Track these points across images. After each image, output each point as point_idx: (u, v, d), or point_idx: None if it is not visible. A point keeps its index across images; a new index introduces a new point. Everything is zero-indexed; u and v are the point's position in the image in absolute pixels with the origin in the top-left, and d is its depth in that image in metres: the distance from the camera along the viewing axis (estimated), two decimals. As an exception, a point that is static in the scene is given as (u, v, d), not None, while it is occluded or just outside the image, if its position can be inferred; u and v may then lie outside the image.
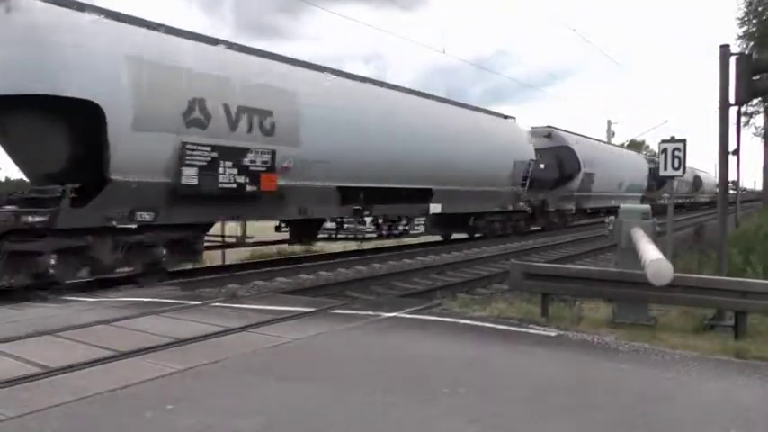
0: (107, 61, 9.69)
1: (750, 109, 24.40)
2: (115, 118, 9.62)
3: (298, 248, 17.61)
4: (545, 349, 5.93)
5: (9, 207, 9.34)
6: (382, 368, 5.22)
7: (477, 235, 21.77)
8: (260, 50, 13.26)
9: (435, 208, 18.06)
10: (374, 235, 16.21)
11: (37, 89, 9.05)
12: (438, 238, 21.97)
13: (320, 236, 15.66)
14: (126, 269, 10.50)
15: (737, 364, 5.59)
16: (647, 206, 8.33)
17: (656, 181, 40.58)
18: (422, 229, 18.13)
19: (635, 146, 59.81)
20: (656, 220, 7.74)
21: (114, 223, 9.86)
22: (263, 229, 15.14)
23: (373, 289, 11.92)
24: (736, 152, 9.78)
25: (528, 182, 23.04)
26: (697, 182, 56.65)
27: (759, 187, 53.98)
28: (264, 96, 12.20)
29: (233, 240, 13.52)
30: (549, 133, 28.29)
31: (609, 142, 42.36)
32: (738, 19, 21.59)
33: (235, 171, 11.43)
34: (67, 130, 9.73)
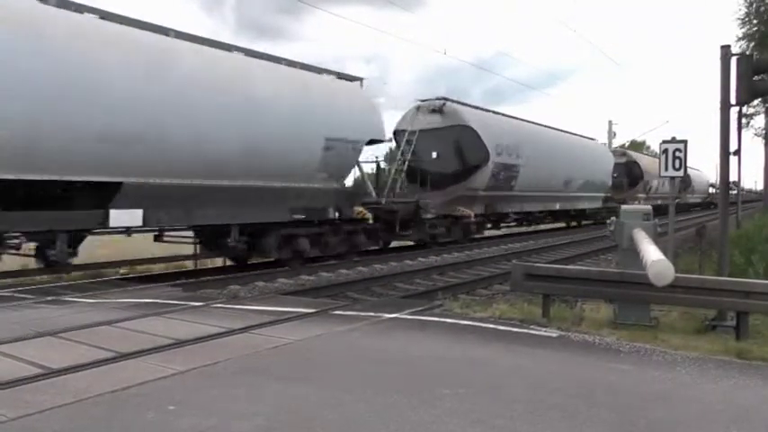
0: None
1: (750, 110, 24.41)
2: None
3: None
4: (546, 350, 5.93)
5: None
6: (383, 369, 5.22)
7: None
8: None
9: (121, 217, 10.28)
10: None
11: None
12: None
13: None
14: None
15: (739, 364, 5.59)
16: (648, 207, 8.33)
17: (628, 178, 38.24)
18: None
19: (636, 146, 59.69)
20: (658, 220, 7.74)
21: None
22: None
23: (374, 290, 11.91)
24: (737, 152, 9.77)
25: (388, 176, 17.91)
26: (685, 180, 54.86)
27: (760, 187, 54.03)
28: None
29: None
30: (440, 107, 20.25)
31: (583, 136, 32.39)
32: (739, 19, 21.58)
33: None
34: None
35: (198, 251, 13.96)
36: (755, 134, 28.53)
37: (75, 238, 10.52)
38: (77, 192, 10.08)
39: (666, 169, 9.73)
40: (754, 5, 21.16)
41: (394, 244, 19.60)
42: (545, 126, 26.97)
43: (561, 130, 28.43)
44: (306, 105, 13.35)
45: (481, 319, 7.26)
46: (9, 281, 11.15)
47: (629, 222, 7.61)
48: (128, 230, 10.65)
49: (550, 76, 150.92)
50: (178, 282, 11.31)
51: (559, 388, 4.73)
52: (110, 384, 4.60)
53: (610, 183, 33.46)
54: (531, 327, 6.88)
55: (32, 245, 10.31)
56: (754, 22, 21.26)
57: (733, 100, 8.34)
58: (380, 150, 31.76)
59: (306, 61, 14.74)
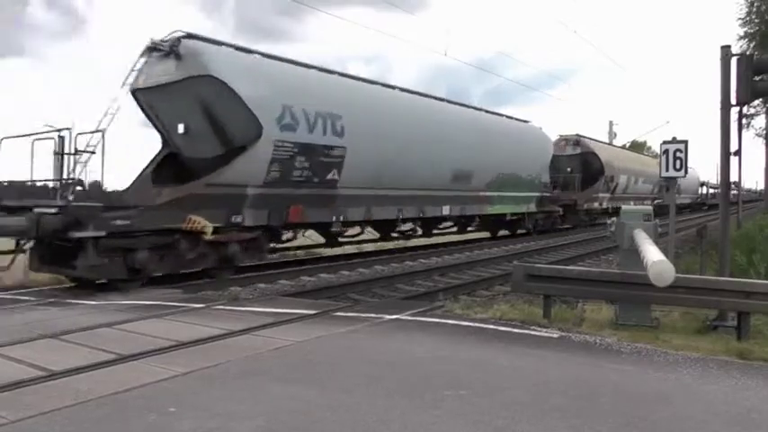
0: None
1: (751, 110, 24.41)
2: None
3: (299, 251, 17.58)
4: (547, 351, 5.93)
5: None
6: (384, 370, 5.22)
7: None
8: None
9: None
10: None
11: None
12: (436, 240, 20.74)
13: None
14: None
15: (740, 365, 5.58)
16: (648, 207, 8.33)
17: (584, 173, 29.60)
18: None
19: (637, 147, 59.63)
20: (658, 221, 7.74)
21: None
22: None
23: (375, 291, 11.90)
24: (738, 153, 9.77)
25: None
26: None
27: (761, 187, 54.06)
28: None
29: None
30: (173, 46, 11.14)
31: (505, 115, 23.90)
32: (740, 19, 21.57)
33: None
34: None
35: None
36: (756, 134, 28.55)
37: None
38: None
39: (667, 170, 9.73)
40: (755, 5, 21.16)
41: (394, 245, 19.22)
42: (408, 91, 17.48)
43: (454, 103, 19.61)
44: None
45: (482, 320, 7.26)
46: (10, 283, 11.15)
47: (630, 223, 7.62)
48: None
49: (551, 77, 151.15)
50: (179, 284, 11.31)
51: (560, 389, 4.73)
52: (111, 386, 4.60)
53: (546, 179, 24.78)
54: (532, 327, 6.88)
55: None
56: (755, 21, 21.26)
57: (733, 100, 8.34)
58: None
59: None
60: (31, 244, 10.05)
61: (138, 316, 7.40)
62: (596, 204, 31.74)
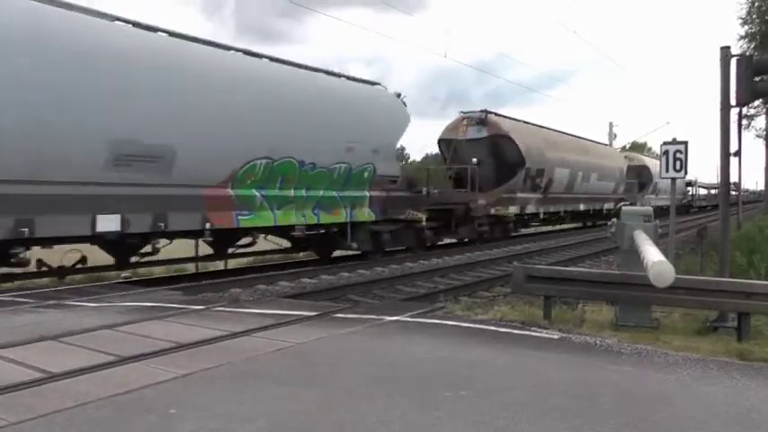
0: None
1: (751, 111, 24.42)
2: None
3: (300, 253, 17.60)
4: (547, 352, 5.93)
5: None
6: (384, 372, 5.21)
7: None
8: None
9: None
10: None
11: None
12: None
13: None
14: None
15: (740, 365, 5.58)
16: (649, 208, 8.33)
17: (497, 165, 22.14)
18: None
19: (637, 148, 59.57)
20: (659, 222, 7.74)
21: None
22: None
23: (376, 293, 11.91)
24: (738, 154, 9.77)
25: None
26: (644, 175, 40.54)
27: (761, 187, 53.94)
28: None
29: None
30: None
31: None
32: (741, 18, 21.57)
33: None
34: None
35: (198, 254, 13.92)
36: (756, 135, 28.58)
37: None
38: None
39: (668, 171, 9.74)
40: (755, 4, 21.16)
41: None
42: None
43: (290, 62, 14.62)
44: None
45: (482, 322, 7.25)
46: (10, 284, 11.16)
47: (630, 224, 7.62)
48: None
49: (551, 78, 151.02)
50: (179, 285, 11.31)
51: (561, 390, 4.72)
52: (111, 388, 4.59)
53: (394, 169, 17.99)
54: (533, 329, 6.88)
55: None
56: (756, 21, 21.26)
57: (733, 101, 8.35)
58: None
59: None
60: None
61: (138, 318, 7.40)
62: (514, 209, 22.78)
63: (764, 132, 28.54)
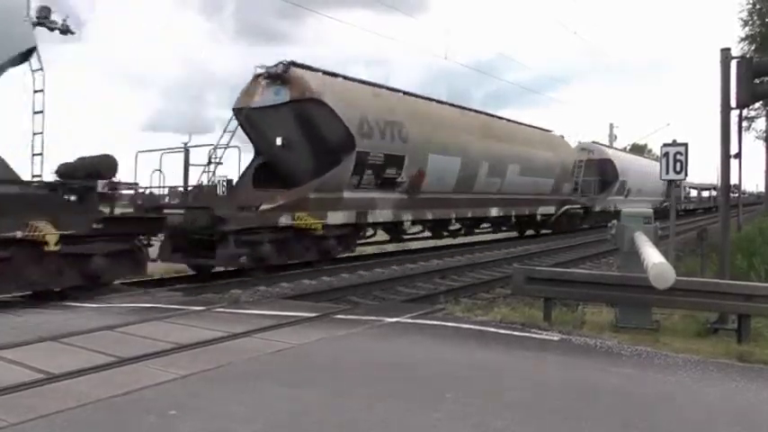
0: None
1: (752, 113, 24.44)
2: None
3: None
4: (548, 353, 5.93)
5: None
6: (385, 373, 5.22)
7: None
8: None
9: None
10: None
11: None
12: (435, 242, 19.98)
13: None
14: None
15: (741, 367, 5.58)
16: (649, 210, 8.33)
17: (325, 150, 14.14)
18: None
19: (637, 149, 59.58)
20: (658, 224, 7.75)
21: None
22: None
23: (376, 294, 11.91)
24: (738, 155, 9.77)
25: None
26: (607, 171, 31.16)
27: (761, 189, 53.83)
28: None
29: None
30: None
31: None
32: (742, 20, 21.58)
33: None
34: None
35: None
36: (756, 137, 28.59)
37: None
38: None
39: (668, 172, 9.74)
40: (756, 6, 21.17)
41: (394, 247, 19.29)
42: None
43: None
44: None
45: (483, 323, 7.25)
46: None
47: (630, 226, 7.62)
48: None
49: (552, 79, 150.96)
50: (179, 286, 11.31)
51: (561, 391, 4.73)
52: (111, 389, 4.60)
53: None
54: (533, 330, 6.88)
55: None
56: (757, 23, 21.27)
57: (733, 103, 8.34)
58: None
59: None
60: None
61: (139, 319, 7.40)
62: (337, 216, 14.52)
63: (765, 134, 28.56)
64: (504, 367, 5.47)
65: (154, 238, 10.98)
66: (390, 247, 19.06)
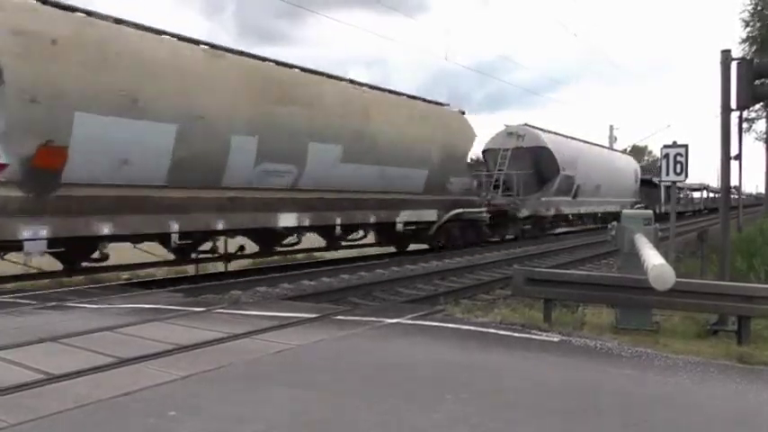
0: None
1: (752, 114, 24.45)
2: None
3: (300, 255, 17.57)
4: (548, 355, 5.93)
5: None
6: (384, 374, 5.21)
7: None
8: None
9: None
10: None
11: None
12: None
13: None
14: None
15: (741, 369, 5.58)
16: (649, 211, 8.34)
17: None
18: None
19: (637, 151, 59.49)
20: (658, 225, 7.75)
21: None
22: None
23: (376, 295, 11.92)
24: (738, 157, 9.78)
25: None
26: (545, 164, 24.40)
27: (760, 190, 53.72)
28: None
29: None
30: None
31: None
32: (743, 21, 21.59)
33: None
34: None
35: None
36: (756, 138, 28.60)
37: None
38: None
39: (668, 174, 9.74)
40: (758, 6, 21.18)
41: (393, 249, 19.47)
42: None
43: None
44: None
45: (483, 324, 7.25)
46: (10, 286, 11.16)
47: (631, 227, 7.62)
48: None
49: (552, 80, 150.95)
50: (179, 287, 11.32)
51: (561, 392, 4.72)
52: (111, 390, 4.60)
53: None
54: (533, 331, 6.87)
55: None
56: (758, 24, 21.29)
57: (733, 104, 8.35)
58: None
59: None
60: None
61: (139, 319, 7.40)
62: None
63: (765, 136, 28.56)
64: (505, 368, 5.47)
65: None
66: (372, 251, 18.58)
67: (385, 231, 17.38)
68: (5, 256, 10.38)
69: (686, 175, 9.74)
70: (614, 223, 7.91)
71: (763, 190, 41.78)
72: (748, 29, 21.59)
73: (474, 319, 7.63)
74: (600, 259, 18.34)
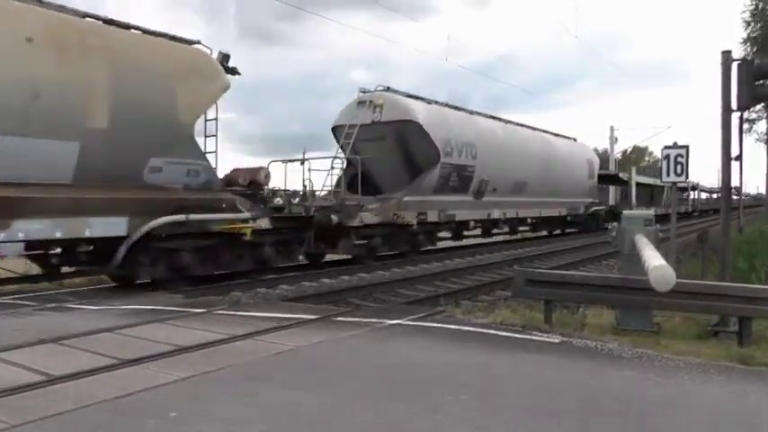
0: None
1: (753, 115, 24.47)
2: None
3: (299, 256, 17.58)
4: (548, 356, 5.92)
5: None
6: (385, 376, 5.21)
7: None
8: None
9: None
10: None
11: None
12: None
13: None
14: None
15: (742, 370, 5.57)
16: (650, 212, 8.33)
17: None
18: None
19: (638, 152, 59.49)
20: (659, 226, 7.74)
21: None
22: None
23: (376, 296, 11.91)
24: (739, 158, 9.77)
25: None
26: (418, 146, 17.01)
27: (761, 191, 53.67)
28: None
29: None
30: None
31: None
32: (744, 21, 21.60)
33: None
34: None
35: None
36: (757, 139, 28.62)
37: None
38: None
39: (668, 175, 9.73)
40: (759, 6, 21.19)
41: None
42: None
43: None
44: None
45: (483, 325, 7.24)
46: (11, 287, 11.17)
47: (631, 228, 7.62)
48: None
49: (552, 81, 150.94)
50: (180, 288, 11.30)
51: (561, 394, 4.72)
52: (111, 391, 4.60)
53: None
54: (534, 333, 6.87)
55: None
56: (759, 24, 21.30)
57: (734, 105, 8.34)
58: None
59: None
60: None
61: (139, 321, 7.40)
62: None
63: (765, 137, 28.58)
64: (505, 369, 5.46)
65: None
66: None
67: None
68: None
69: (687, 176, 9.73)
70: (615, 224, 7.90)
71: (763, 191, 41.76)
72: (749, 29, 21.63)
73: (474, 320, 7.62)
74: (601, 260, 18.33)
